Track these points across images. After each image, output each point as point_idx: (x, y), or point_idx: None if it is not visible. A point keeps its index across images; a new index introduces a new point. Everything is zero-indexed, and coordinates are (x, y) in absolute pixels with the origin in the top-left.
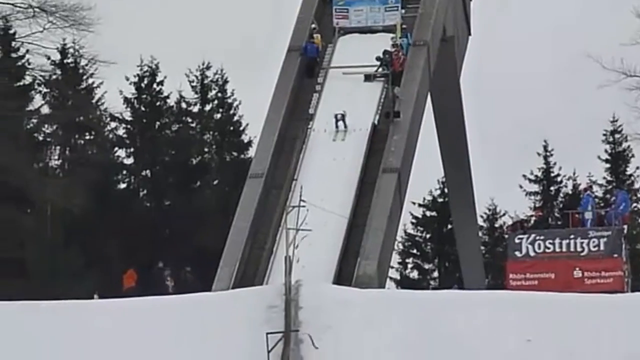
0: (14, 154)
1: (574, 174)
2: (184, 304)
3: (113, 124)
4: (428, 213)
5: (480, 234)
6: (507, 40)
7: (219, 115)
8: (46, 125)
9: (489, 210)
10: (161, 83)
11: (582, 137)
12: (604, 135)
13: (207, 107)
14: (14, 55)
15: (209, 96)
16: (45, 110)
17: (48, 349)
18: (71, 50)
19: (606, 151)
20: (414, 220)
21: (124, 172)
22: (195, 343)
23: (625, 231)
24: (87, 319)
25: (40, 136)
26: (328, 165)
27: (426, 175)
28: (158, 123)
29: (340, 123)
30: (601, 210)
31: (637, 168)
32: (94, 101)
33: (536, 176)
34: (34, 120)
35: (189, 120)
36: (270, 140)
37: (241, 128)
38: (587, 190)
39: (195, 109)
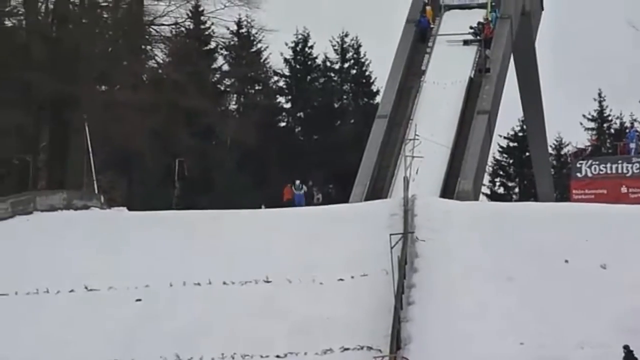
0: (203, 100)
1: (621, 114)
2: (328, 213)
3: (275, 78)
4: (511, 144)
5: (550, 159)
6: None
7: (354, 71)
8: (226, 79)
9: (557, 141)
10: (311, 47)
11: (630, 85)
12: None
13: (346, 65)
14: (202, 26)
15: (347, 57)
16: (225, 67)
17: (232, 243)
18: (245, 22)
19: None
20: (500, 149)
21: (284, 113)
22: (336, 242)
23: None
24: (258, 221)
25: (222, 87)
26: (435, 108)
27: (510, 114)
28: (309, 77)
29: None
30: None
31: None
32: (261, 60)
33: (592, 116)
34: (217, 75)
35: (332, 74)
36: (393, 89)
37: (371, 80)
38: (632, 127)
39: (337, 66)
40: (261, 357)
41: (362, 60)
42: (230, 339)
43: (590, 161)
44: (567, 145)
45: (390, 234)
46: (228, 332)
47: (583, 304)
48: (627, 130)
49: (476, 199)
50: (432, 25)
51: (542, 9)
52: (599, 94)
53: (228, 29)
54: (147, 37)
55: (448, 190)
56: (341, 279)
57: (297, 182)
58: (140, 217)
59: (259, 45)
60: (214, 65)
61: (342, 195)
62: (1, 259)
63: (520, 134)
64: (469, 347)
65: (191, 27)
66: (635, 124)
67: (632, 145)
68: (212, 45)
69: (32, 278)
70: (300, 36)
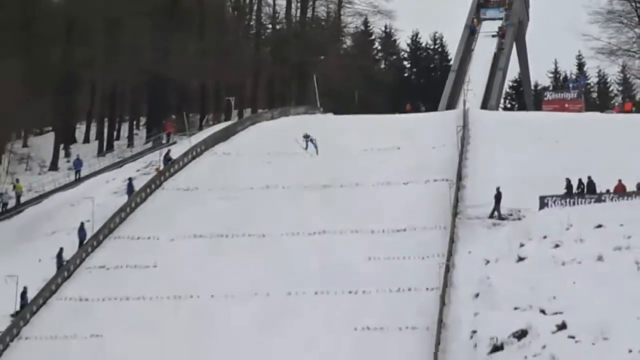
0: (370, 64)
1: (566, 70)
2: (428, 115)
3: (403, 52)
4: (514, 84)
5: (531, 91)
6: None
7: (440, 49)
8: (379, 54)
9: (536, 83)
10: (420, 37)
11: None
12: None
13: (436, 46)
14: (368, 29)
15: (437, 41)
16: (379, 47)
17: (378, 127)
18: (388, 25)
19: None
20: (509, 85)
21: (407, 69)
22: (429, 128)
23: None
24: (391, 120)
25: (377, 57)
26: (479, 67)
27: (514, 70)
28: (418, 52)
29: (310, 144)
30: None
31: None
32: (396, 44)
33: (552, 71)
34: (374, 52)
35: (430, 51)
36: (458, 57)
37: (448, 53)
38: (571, 75)
39: (432, 46)
40: (393, 182)
41: (444, 44)
42: (364, 178)
43: (551, 92)
44: (540, 85)
45: (457, 125)
46: (363, 178)
47: (552, 158)
48: (568, 77)
49: (497, 109)
50: (476, 28)
51: (529, 20)
52: (555, 61)
53: (380, 29)
54: (342, 34)
55: (484, 106)
56: (433, 147)
57: (306, 132)
58: (339, 116)
59: (395, 37)
60: (374, 47)
61: (434, 108)
62: (270, 137)
63: (519, 79)
64: (495, 178)
65: (363, 28)
66: (573, 75)
67: (571, 85)
68: (373, 37)
69: (271, 149)
70: (414, 32)
